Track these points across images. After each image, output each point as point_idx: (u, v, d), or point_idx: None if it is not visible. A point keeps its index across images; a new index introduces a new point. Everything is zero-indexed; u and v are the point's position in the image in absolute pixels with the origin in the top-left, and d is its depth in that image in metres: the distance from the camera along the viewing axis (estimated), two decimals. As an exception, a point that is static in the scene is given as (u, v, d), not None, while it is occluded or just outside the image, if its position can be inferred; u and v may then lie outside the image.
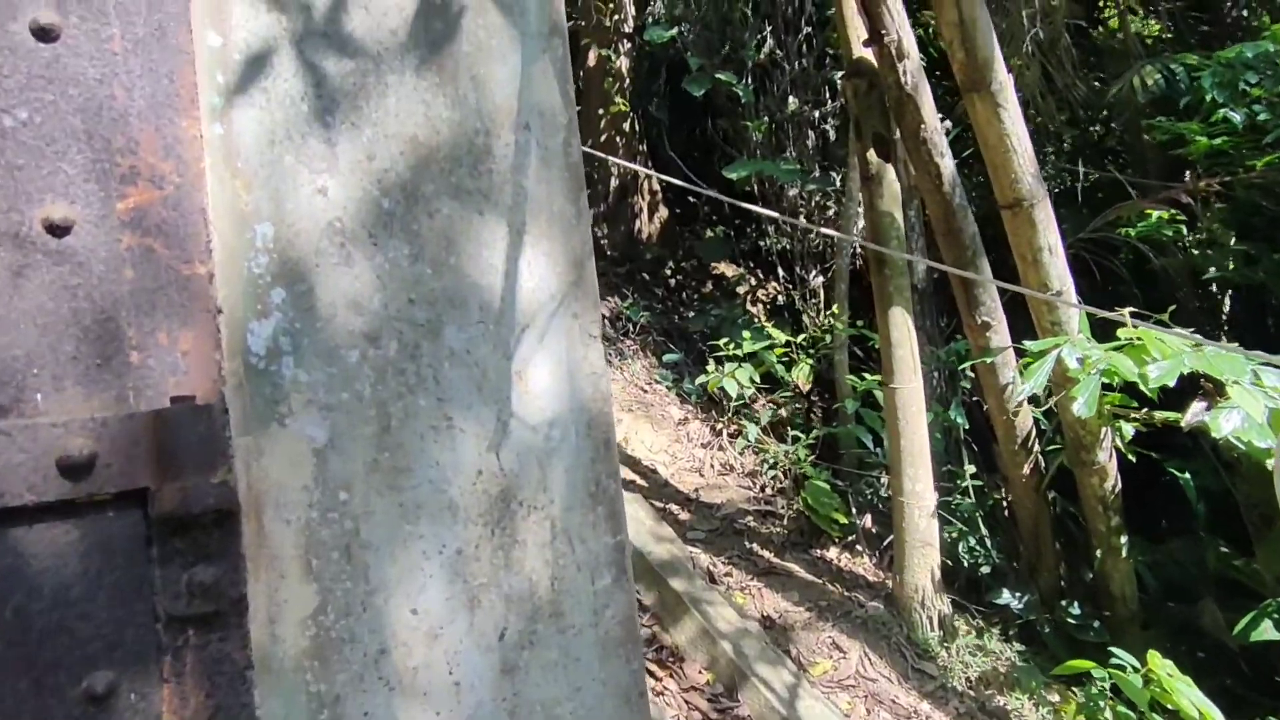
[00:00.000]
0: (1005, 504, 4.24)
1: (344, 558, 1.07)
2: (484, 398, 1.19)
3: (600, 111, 8.86)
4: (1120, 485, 3.44)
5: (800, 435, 4.63)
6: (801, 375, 4.92)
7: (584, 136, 7.79)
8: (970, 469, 4.22)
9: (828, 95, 7.36)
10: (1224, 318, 5.22)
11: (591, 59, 8.72)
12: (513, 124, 1.27)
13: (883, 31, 3.11)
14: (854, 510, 4.15)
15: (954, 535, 4.15)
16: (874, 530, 4.13)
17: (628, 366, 6.28)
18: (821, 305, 6.86)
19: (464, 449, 1.16)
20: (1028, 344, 3.09)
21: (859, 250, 6.33)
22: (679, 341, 7.59)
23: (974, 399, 4.49)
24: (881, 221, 3.29)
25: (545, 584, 1.24)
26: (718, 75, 6.98)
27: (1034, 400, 3.41)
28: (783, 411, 5.29)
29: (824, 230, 3.15)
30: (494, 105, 1.25)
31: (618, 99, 8.05)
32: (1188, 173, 5.29)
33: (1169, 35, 6.63)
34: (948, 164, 3.20)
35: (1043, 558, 3.83)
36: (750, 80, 7.30)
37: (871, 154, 3.29)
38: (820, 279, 6.96)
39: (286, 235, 1.09)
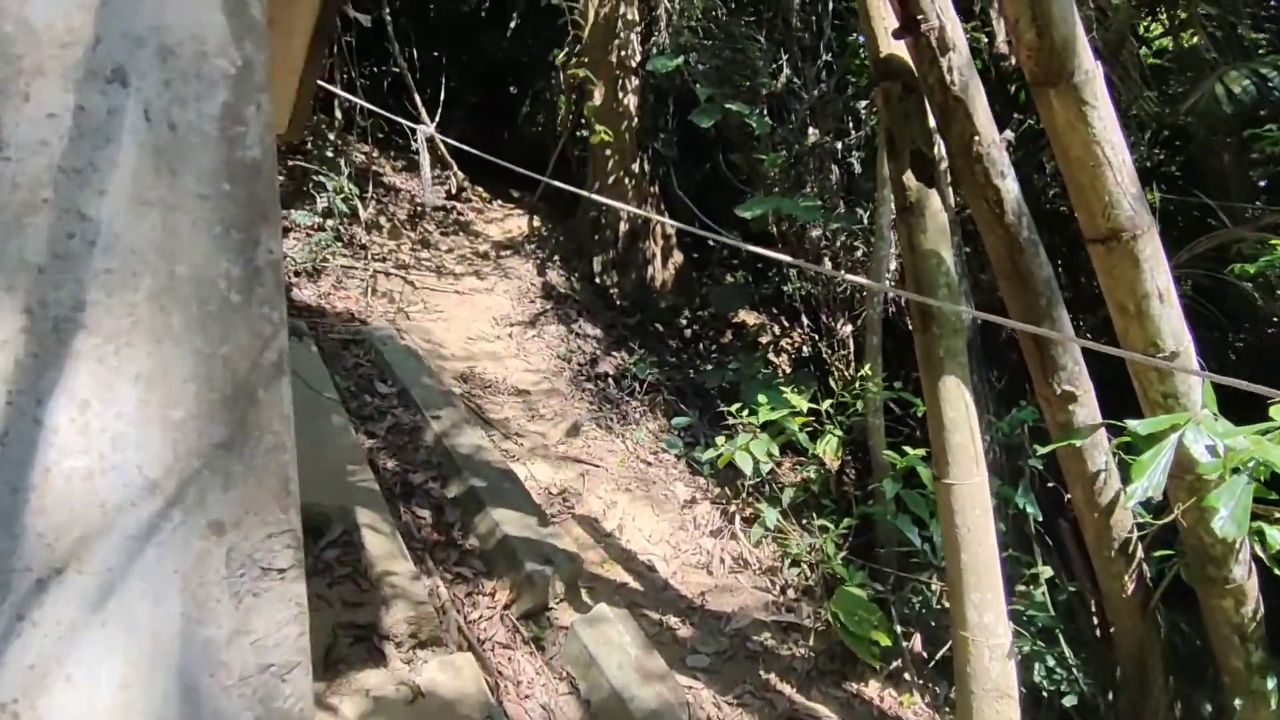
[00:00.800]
0: (1094, 616, 3.34)
1: None
2: None
3: (607, 152, 8.26)
4: (1262, 609, 2.56)
5: (828, 524, 3.79)
6: (829, 449, 4.10)
7: (590, 180, 7.10)
8: (1045, 570, 3.35)
9: (851, 125, 6.65)
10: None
11: (598, 97, 8.15)
12: (74, 65, 0.54)
13: (919, 18, 2.37)
14: (898, 626, 3.29)
15: (1025, 651, 3.27)
16: (924, 654, 3.26)
17: (631, 433, 5.50)
18: (851, 357, 6.05)
19: None
20: (1132, 424, 2.27)
21: (892, 295, 5.53)
22: (693, 400, 6.80)
23: (1046, 483, 3.62)
24: (926, 264, 2.50)
25: None
26: (728, 105, 6.30)
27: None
28: (812, 488, 4.46)
29: (849, 278, 2.41)
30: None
31: (601, 130, 7.39)
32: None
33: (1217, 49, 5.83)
34: (1010, 186, 2.42)
35: (1150, 694, 2.93)
36: (765, 111, 6.62)
37: (909, 177, 2.52)
38: (849, 328, 6.16)
39: None
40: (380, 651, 2.72)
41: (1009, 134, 2.48)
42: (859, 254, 6.08)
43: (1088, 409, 2.59)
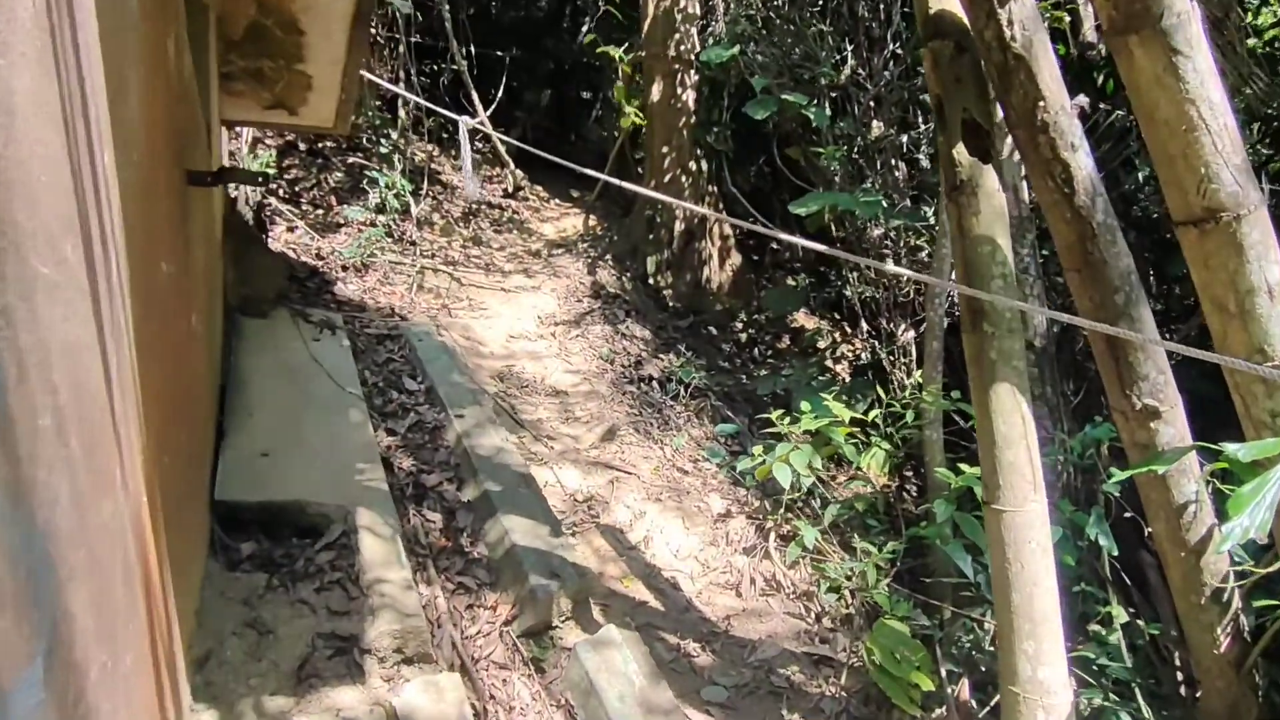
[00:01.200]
0: (1178, 669, 2.89)
1: None
2: None
3: (664, 149, 8.01)
4: (1393, 677, 2.10)
5: (872, 547, 3.41)
6: (875, 463, 3.72)
7: (647, 178, 6.84)
8: (1120, 613, 2.91)
9: (918, 117, 6.21)
10: None
11: (655, 93, 7.92)
12: None
13: (974, -37, 2.03)
14: (944, 668, 2.90)
15: (1094, 704, 2.84)
16: (973, 703, 2.85)
17: (671, 440, 5.20)
18: (913, 365, 5.63)
19: None
20: (1231, 447, 1.86)
21: (956, 298, 5.09)
22: (742, 407, 6.46)
23: (1123, 511, 3.15)
24: (977, 251, 2.15)
25: None
26: (785, 97, 5.96)
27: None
28: (857, 506, 4.07)
29: (899, 270, 2.06)
30: None
31: (631, 112, 7.13)
32: None
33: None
34: (1082, 160, 2.05)
35: (1247, 767, 2.47)
36: (825, 103, 6.25)
37: (960, 151, 2.17)
38: (911, 334, 5.74)
39: None
40: (360, 667, 2.51)
41: (1082, 99, 2.11)
42: (924, 255, 5.65)
43: (1174, 428, 2.18)
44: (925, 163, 6.05)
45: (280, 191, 7.38)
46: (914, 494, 5.06)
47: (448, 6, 8.56)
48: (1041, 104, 2.01)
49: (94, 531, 1.12)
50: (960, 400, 3.69)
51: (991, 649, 3.03)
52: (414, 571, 3.10)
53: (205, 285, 3.11)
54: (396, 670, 2.57)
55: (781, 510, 3.93)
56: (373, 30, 8.51)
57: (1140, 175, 5.28)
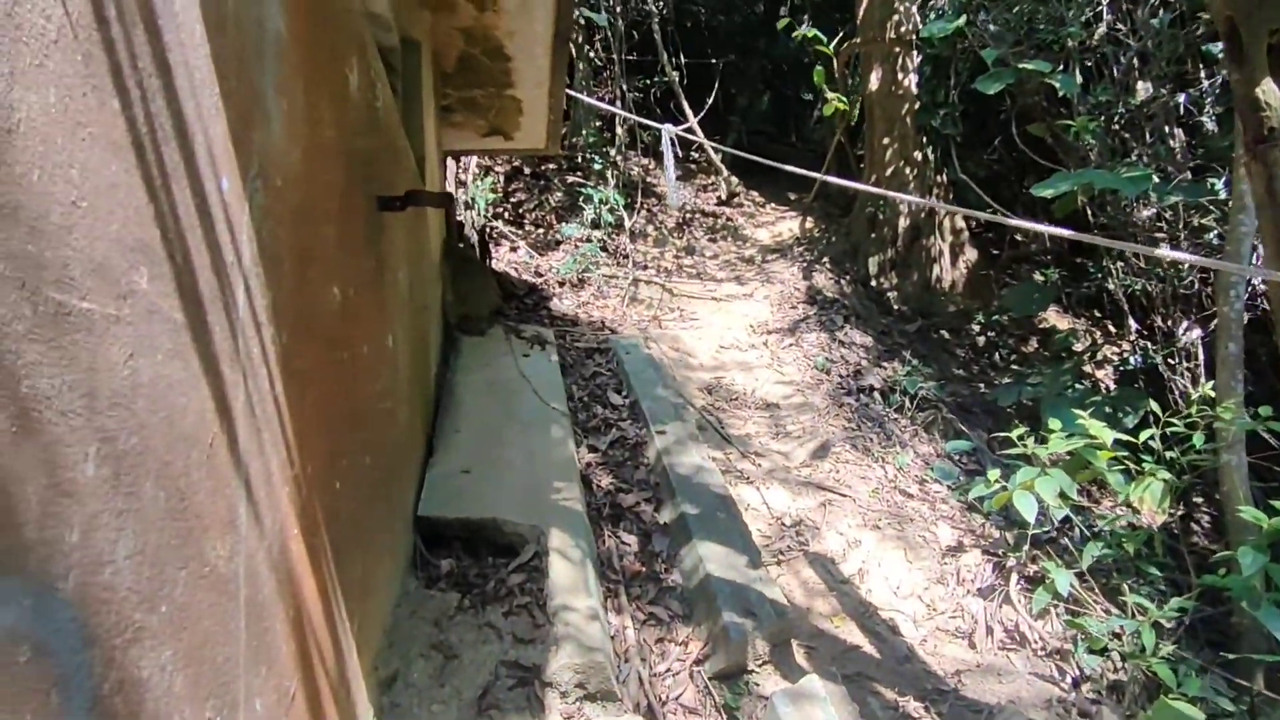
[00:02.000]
0: None
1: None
2: None
3: (885, 140, 7.43)
4: None
5: (1147, 600, 2.74)
6: (1151, 495, 3.00)
7: (867, 173, 6.37)
8: None
9: (1200, 71, 5.14)
10: None
11: (873, 81, 7.38)
12: None
13: None
14: (1260, 771, 2.22)
15: None
16: (1308, 825, 2.15)
17: (893, 458, 4.70)
18: (1200, 372, 4.64)
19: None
20: None
21: (1260, 287, 4.10)
22: (981, 420, 5.76)
23: None
24: (1298, 224, 1.57)
25: None
26: (1024, 66, 5.20)
27: None
28: (1127, 546, 3.35)
29: (1159, 252, 1.55)
30: None
31: (835, 98, 6.57)
32: None
33: None
34: None
35: None
36: (1075, 68, 5.38)
37: (1269, 89, 1.61)
38: (1196, 333, 4.74)
39: None
40: (540, 701, 2.39)
41: None
42: (1211, 236, 4.64)
43: None
44: (1211, 125, 5.00)
45: (505, 214, 7.77)
46: (1205, 530, 4.14)
47: (657, 20, 8.60)
48: (1403, 9, 1.42)
49: (187, 582, 1.04)
50: (1271, 419, 2.89)
51: (1331, 754, 2.28)
52: (605, 598, 2.97)
53: (409, 306, 3.21)
54: (578, 707, 2.43)
55: (1026, 546, 3.33)
56: (589, 53, 8.77)
57: None
